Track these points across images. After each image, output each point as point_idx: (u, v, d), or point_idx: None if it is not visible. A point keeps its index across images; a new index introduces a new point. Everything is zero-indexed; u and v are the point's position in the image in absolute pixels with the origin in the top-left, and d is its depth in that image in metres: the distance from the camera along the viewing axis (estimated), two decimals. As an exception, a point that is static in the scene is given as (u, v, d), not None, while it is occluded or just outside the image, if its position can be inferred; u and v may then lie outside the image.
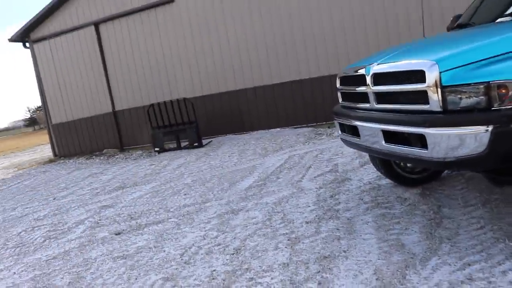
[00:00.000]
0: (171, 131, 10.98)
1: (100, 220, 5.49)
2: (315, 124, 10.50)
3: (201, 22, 11.49)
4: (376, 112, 3.38)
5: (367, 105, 3.51)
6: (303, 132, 9.72)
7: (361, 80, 3.52)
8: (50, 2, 13.07)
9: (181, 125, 10.95)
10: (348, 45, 10.01)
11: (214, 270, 3.38)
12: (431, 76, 2.73)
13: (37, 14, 13.36)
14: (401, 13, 9.45)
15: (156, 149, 11.10)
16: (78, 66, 13.47)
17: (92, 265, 3.98)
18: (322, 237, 3.64)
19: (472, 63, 2.66)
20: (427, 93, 2.78)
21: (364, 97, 3.53)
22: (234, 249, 3.74)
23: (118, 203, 6.26)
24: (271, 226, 4.12)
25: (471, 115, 2.61)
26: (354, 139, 3.80)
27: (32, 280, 3.92)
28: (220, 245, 3.89)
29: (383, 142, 3.27)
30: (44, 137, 22.74)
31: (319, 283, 2.89)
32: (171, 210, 5.37)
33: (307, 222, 4.05)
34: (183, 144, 10.90)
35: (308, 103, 10.63)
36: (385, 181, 4.85)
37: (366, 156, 5.85)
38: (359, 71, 3.59)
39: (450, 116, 2.70)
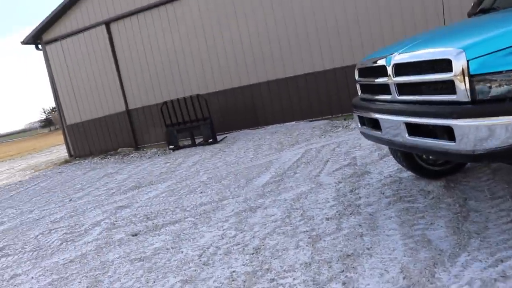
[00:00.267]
0: (185, 128, 10.93)
1: (116, 221, 5.45)
2: (330, 116, 10.33)
3: (212, 16, 11.37)
4: (398, 104, 3.23)
5: (388, 97, 3.37)
6: (319, 125, 9.56)
7: (381, 71, 3.37)
8: (61, 4, 13.11)
9: (195, 121, 10.89)
10: (362, 37, 9.78)
11: (233, 271, 3.29)
12: (458, 65, 2.58)
13: (48, 16, 13.41)
14: (417, 6, 9.21)
15: (171, 146, 11.07)
16: (91, 66, 13.49)
17: (109, 268, 3.92)
18: (344, 234, 3.52)
19: (502, 49, 2.50)
20: (453, 83, 2.63)
21: (385, 89, 3.38)
22: (253, 248, 3.64)
23: (134, 203, 6.22)
24: (291, 224, 4.01)
25: (502, 105, 2.47)
26: (375, 133, 3.66)
27: (49, 285, 3.88)
28: (239, 244, 3.79)
29: (406, 135, 3.13)
30: (60, 137, 22.94)
31: (344, 283, 2.78)
32: (188, 209, 5.29)
33: (327, 219, 3.93)
34: (197, 140, 10.85)
35: (322, 95, 10.45)
36: (407, 173, 4.69)
37: (385, 148, 5.71)
38: (379, 61, 3.44)
39: (479, 106, 2.55)
